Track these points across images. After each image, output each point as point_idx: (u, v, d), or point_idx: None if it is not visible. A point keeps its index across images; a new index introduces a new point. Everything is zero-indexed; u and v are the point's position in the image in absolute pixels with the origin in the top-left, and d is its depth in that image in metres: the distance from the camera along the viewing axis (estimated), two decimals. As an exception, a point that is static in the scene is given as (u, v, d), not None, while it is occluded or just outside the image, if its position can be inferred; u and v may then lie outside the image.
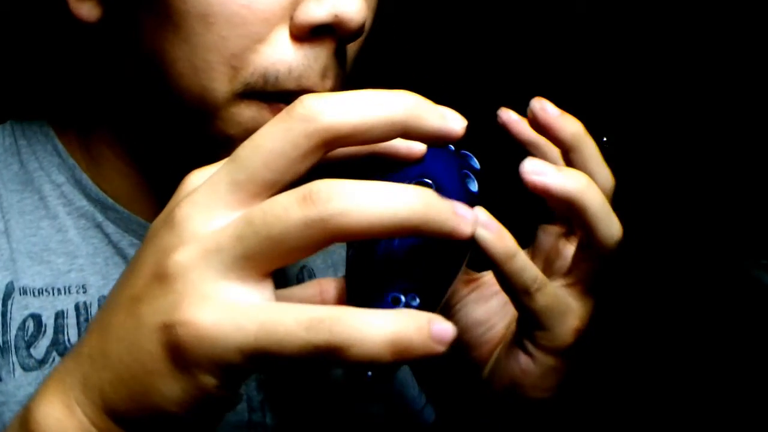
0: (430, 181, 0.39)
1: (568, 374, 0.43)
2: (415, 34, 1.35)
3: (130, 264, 0.35)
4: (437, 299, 0.38)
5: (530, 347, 0.42)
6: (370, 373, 0.34)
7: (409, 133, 0.33)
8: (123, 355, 0.33)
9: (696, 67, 1.44)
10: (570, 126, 0.41)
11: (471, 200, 0.40)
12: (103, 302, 0.36)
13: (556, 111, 0.41)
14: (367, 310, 0.30)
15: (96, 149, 0.55)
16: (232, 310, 0.31)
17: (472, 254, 0.40)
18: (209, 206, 0.32)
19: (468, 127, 0.35)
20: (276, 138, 0.31)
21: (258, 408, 0.58)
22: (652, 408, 1.36)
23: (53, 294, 0.53)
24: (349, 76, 0.50)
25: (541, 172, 0.38)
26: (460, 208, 0.32)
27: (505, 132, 0.45)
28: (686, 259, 1.45)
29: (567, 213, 0.40)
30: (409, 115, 0.33)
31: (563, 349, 0.42)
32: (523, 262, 0.39)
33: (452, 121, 0.34)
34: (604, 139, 1.01)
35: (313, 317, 0.30)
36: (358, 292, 0.39)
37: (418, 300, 0.36)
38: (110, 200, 0.55)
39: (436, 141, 0.34)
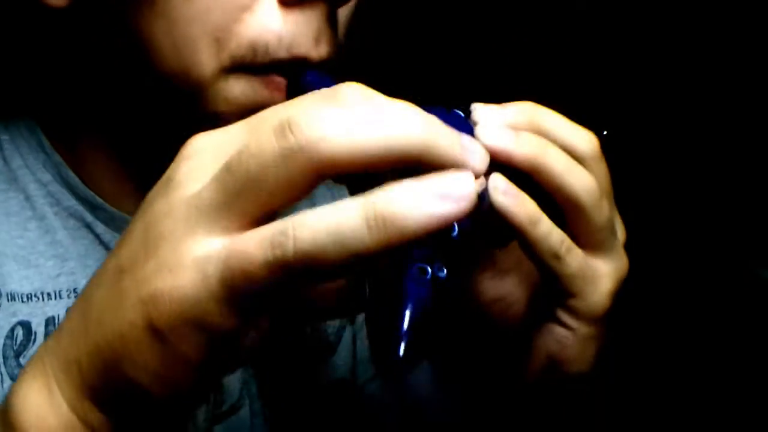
0: None
1: (605, 343, 0.42)
2: (414, 32, 1.35)
3: (121, 236, 0.33)
4: (460, 272, 0.36)
5: (566, 318, 0.40)
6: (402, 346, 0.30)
7: (418, 164, 0.28)
8: (102, 324, 0.31)
9: (699, 65, 1.44)
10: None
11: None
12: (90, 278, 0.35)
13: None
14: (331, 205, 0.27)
15: (80, 145, 0.52)
16: (201, 260, 0.28)
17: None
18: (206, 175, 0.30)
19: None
20: (271, 168, 0.28)
21: (259, 413, 0.57)
22: (657, 407, 1.35)
23: (43, 299, 0.51)
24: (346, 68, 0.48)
25: (499, 137, 0.37)
26: (467, 140, 0.29)
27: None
28: (691, 258, 1.45)
29: (532, 175, 0.38)
30: (423, 148, 0.28)
31: (601, 315, 0.40)
32: (549, 226, 0.37)
33: (473, 155, 0.29)
34: (605, 132, 1.00)
35: (275, 232, 0.27)
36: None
37: (445, 271, 0.33)
38: (98, 199, 0.52)
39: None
